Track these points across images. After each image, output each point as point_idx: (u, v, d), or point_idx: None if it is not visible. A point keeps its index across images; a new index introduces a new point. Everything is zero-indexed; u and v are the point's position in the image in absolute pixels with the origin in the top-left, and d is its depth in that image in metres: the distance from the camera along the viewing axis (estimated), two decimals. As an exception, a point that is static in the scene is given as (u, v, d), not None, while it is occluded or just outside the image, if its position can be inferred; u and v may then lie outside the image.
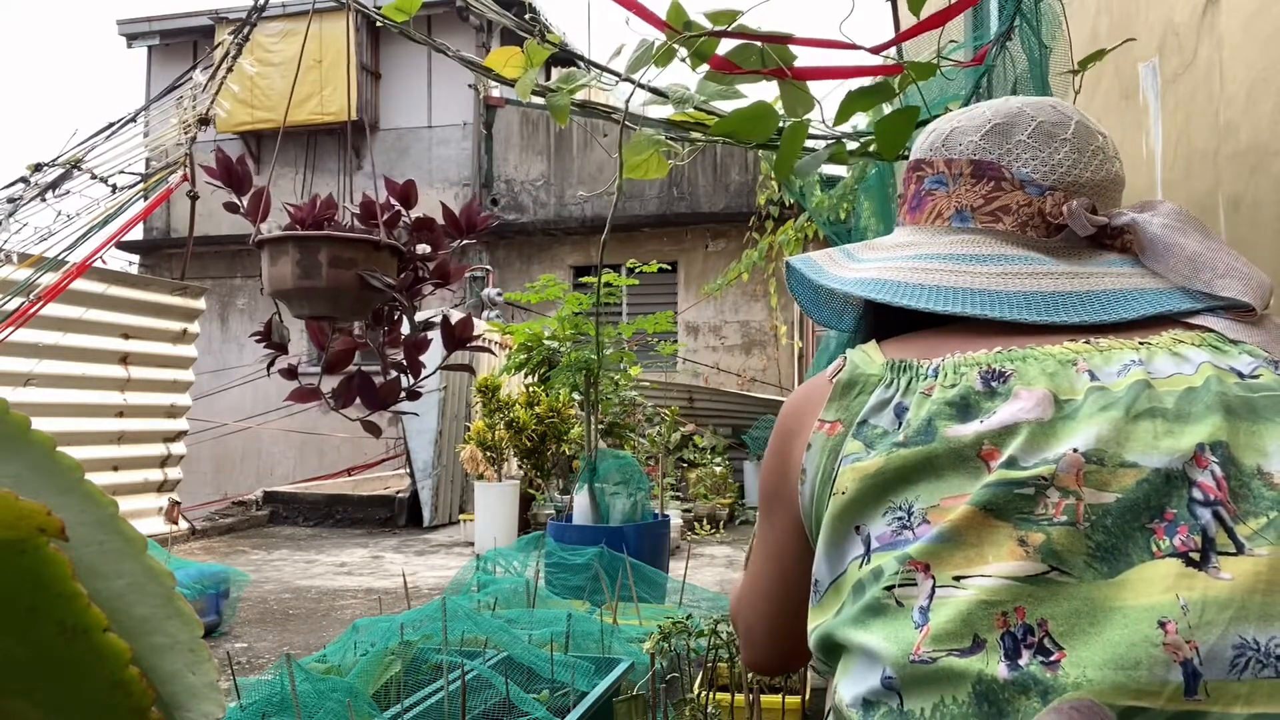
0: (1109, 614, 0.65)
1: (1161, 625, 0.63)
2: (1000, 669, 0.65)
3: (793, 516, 0.85)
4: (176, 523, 6.98)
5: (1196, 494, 0.68)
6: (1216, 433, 0.69)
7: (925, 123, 2.04)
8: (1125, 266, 0.85)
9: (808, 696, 2.58)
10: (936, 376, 0.77)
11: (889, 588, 0.71)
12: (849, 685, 0.73)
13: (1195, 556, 0.66)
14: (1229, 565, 0.65)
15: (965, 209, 0.89)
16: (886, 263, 0.91)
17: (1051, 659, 0.64)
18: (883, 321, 0.90)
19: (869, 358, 0.82)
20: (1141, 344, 0.76)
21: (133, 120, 5.03)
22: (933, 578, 0.70)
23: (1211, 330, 0.78)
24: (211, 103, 4.99)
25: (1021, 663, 0.65)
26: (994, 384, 0.75)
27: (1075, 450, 0.69)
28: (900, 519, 0.73)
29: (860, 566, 0.75)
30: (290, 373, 1.84)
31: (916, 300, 0.84)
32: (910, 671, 0.68)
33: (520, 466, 7.35)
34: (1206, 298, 0.81)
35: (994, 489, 0.69)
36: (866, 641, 0.71)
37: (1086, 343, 0.77)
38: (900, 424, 0.76)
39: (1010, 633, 0.66)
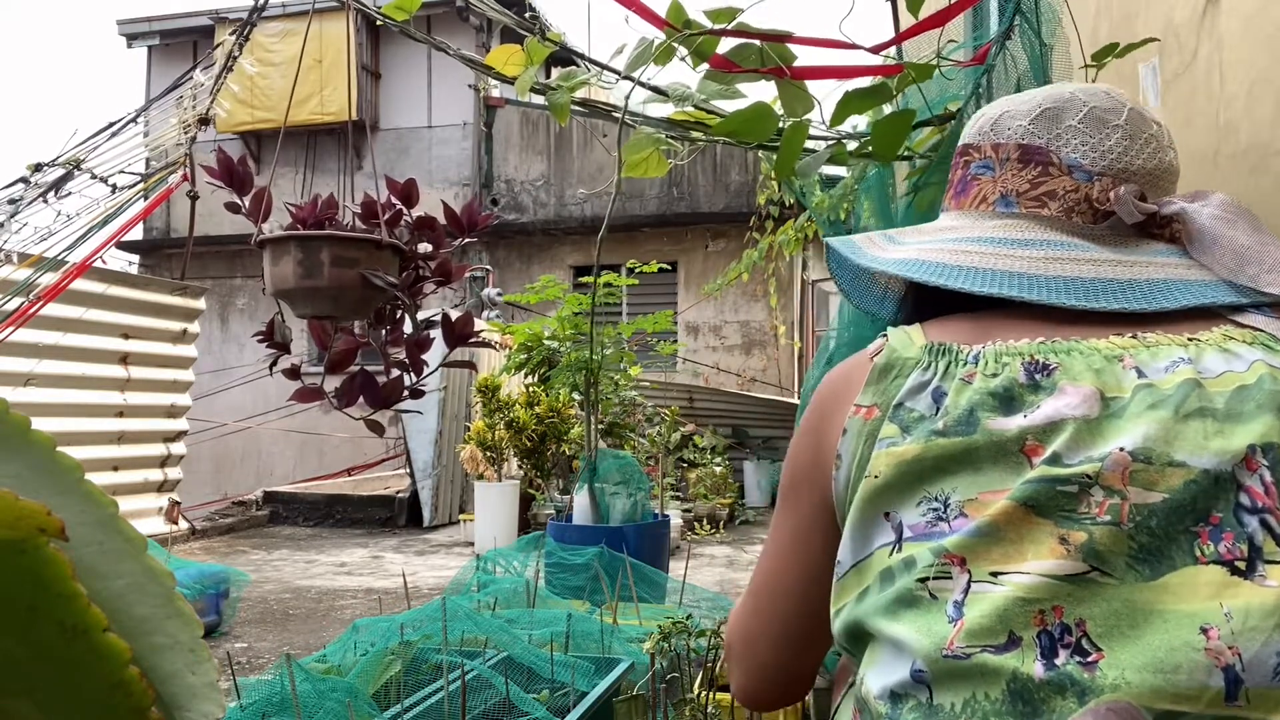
0: (1149, 617, 0.64)
1: (1204, 631, 0.62)
2: (1036, 668, 0.64)
3: (823, 502, 0.83)
4: (176, 523, 6.98)
5: (1244, 500, 0.66)
6: (1269, 434, 0.68)
7: (923, 124, 2.04)
8: (1171, 256, 0.83)
9: (807, 696, 2.58)
10: (977, 363, 0.76)
11: (922, 579, 0.70)
12: (876, 676, 0.72)
13: (1241, 565, 0.65)
14: (1276, 573, 0.64)
15: (1010, 194, 0.88)
16: (927, 245, 0.90)
17: (1089, 659, 0.63)
18: (924, 309, 0.88)
19: (909, 340, 0.81)
20: (1190, 340, 0.74)
21: (133, 120, 5.03)
22: (969, 572, 0.69)
23: (1262, 330, 0.76)
24: (211, 103, 4.99)
25: (1058, 662, 0.64)
26: (1037, 376, 0.73)
27: (1122, 449, 0.68)
28: (935, 510, 0.72)
29: (890, 554, 0.73)
30: (293, 373, 1.84)
31: (954, 280, 0.82)
32: (942, 666, 0.67)
33: (520, 466, 7.35)
34: (1252, 292, 0.79)
35: (1036, 485, 0.68)
36: (897, 633, 0.70)
37: (1133, 337, 0.75)
38: (939, 409, 0.75)
39: (1047, 631, 0.65)
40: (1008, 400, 0.73)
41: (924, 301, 0.90)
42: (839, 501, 0.81)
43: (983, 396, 0.73)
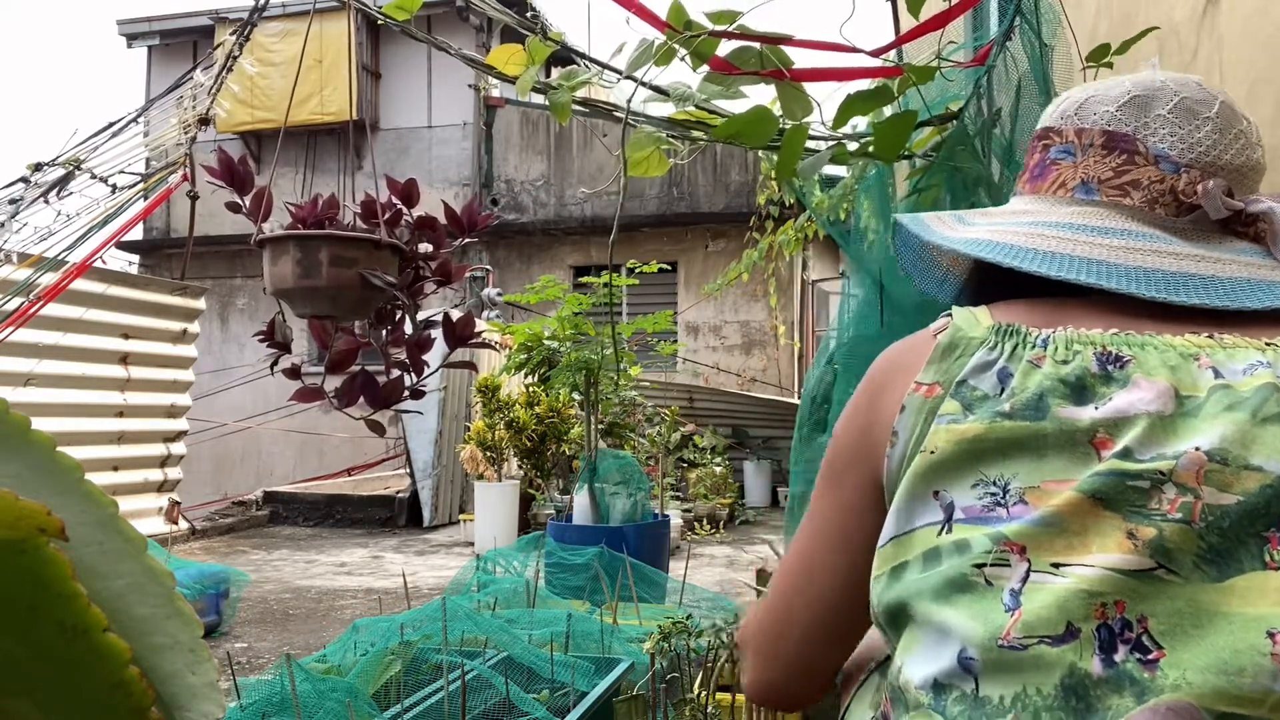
0: (1214, 618, 0.63)
1: (1270, 635, 0.61)
2: (1094, 663, 0.63)
3: (872, 482, 0.81)
4: (176, 523, 6.98)
5: None
6: None
7: (924, 124, 2.04)
8: (1254, 256, 0.81)
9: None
10: (1046, 347, 0.74)
11: (978, 565, 0.68)
12: (917, 665, 0.70)
13: None
14: None
15: (1091, 180, 0.86)
16: (999, 227, 0.87)
17: (1149, 657, 0.62)
18: (987, 293, 0.86)
19: (974, 320, 0.79)
20: (1268, 345, 0.72)
21: (133, 120, 5.03)
22: (1028, 561, 0.67)
23: None
24: (211, 103, 4.99)
25: (1117, 658, 0.62)
26: (1110, 368, 0.72)
27: (1198, 449, 0.66)
28: (993, 495, 0.70)
29: (939, 534, 0.72)
30: (294, 372, 1.84)
31: (1029, 263, 0.80)
32: (996, 656, 0.65)
33: (520, 466, 7.35)
34: None
35: (1106, 478, 0.67)
36: (946, 618, 0.68)
37: (1210, 337, 0.73)
38: (1004, 390, 0.73)
39: (1107, 625, 0.63)
40: (1079, 389, 0.71)
41: (988, 286, 0.87)
42: (890, 481, 0.79)
43: (1054, 383, 0.72)
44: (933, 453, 0.73)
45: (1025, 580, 0.66)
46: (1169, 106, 0.84)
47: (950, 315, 0.81)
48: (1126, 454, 0.67)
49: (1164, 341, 0.73)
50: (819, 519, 0.87)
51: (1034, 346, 0.74)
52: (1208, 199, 0.81)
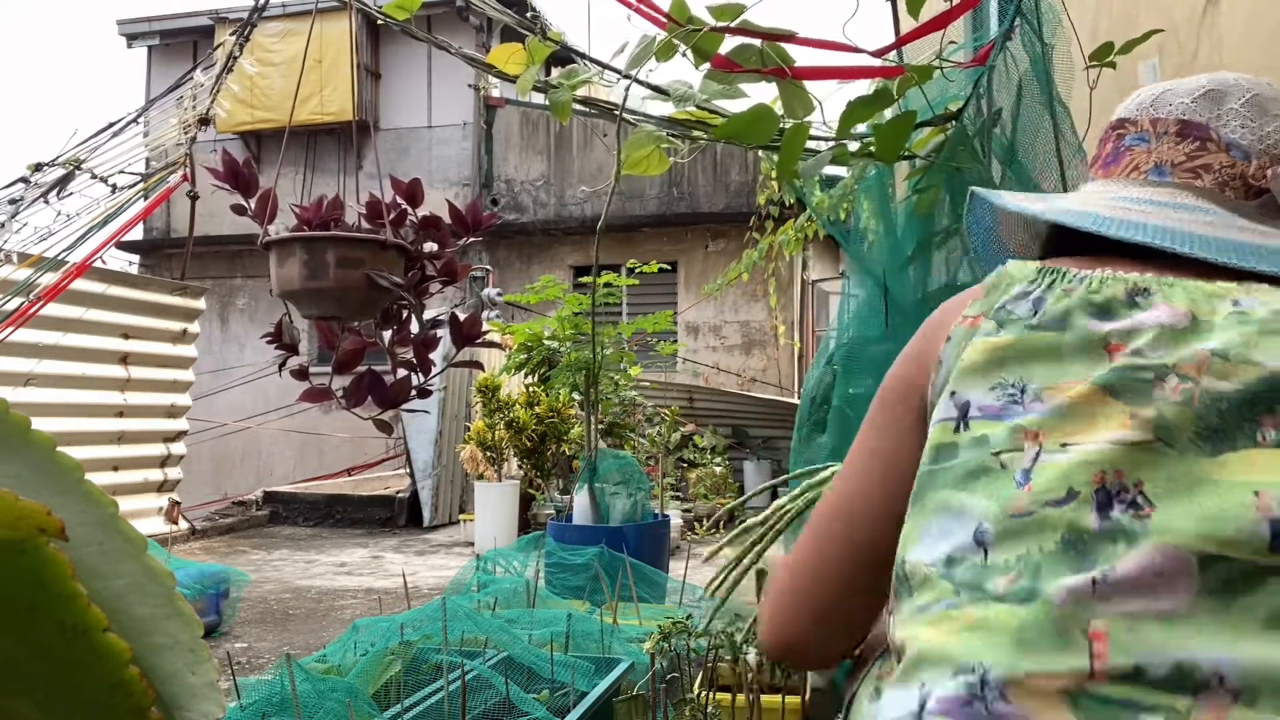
0: (1204, 484, 0.67)
1: (1256, 494, 0.65)
2: (1091, 518, 0.68)
3: (918, 412, 0.86)
4: (176, 523, 6.98)
5: None
6: None
7: (924, 124, 2.04)
8: None
9: (807, 696, 2.58)
10: (1082, 283, 0.79)
11: (996, 453, 0.74)
12: (928, 547, 0.75)
13: None
14: None
15: (1165, 164, 0.90)
16: (1076, 201, 0.92)
17: (1142, 513, 0.67)
18: None
19: (1023, 265, 0.84)
20: None
21: (133, 120, 5.03)
22: (1040, 444, 0.72)
23: None
24: (212, 103, 4.99)
25: (1112, 514, 0.68)
26: (1137, 298, 0.77)
27: (1204, 348, 0.71)
28: (1011, 395, 0.76)
29: (954, 430, 0.77)
30: (302, 373, 1.84)
31: (1110, 229, 0.84)
32: (1006, 525, 0.70)
33: (520, 466, 7.35)
34: None
35: (1116, 372, 0.72)
36: (965, 501, 0.74)
37: (1238, 284, 0.77)
38: (1037, 313, 0.78)
39: (1105, 489, 0.68)
40: (1104, 310, 0.77)
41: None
42: (930, 407, 0.83)
43: (1081, 303, 0.77)
44: (964, 361, 0.79)
45: (1036, 459, 0.72)
46: (1241, 101, 0.90)
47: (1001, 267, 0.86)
48: (1136, 354, 0.73)
49: (1194, 285, 0.77)
50: (860, 459, 0.90)
51: (1071, 281, 0.80)
52: (1275, 182, 0.86)
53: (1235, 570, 0.64)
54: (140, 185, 5.21)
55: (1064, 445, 0.71)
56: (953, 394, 0.78)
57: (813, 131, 1.85)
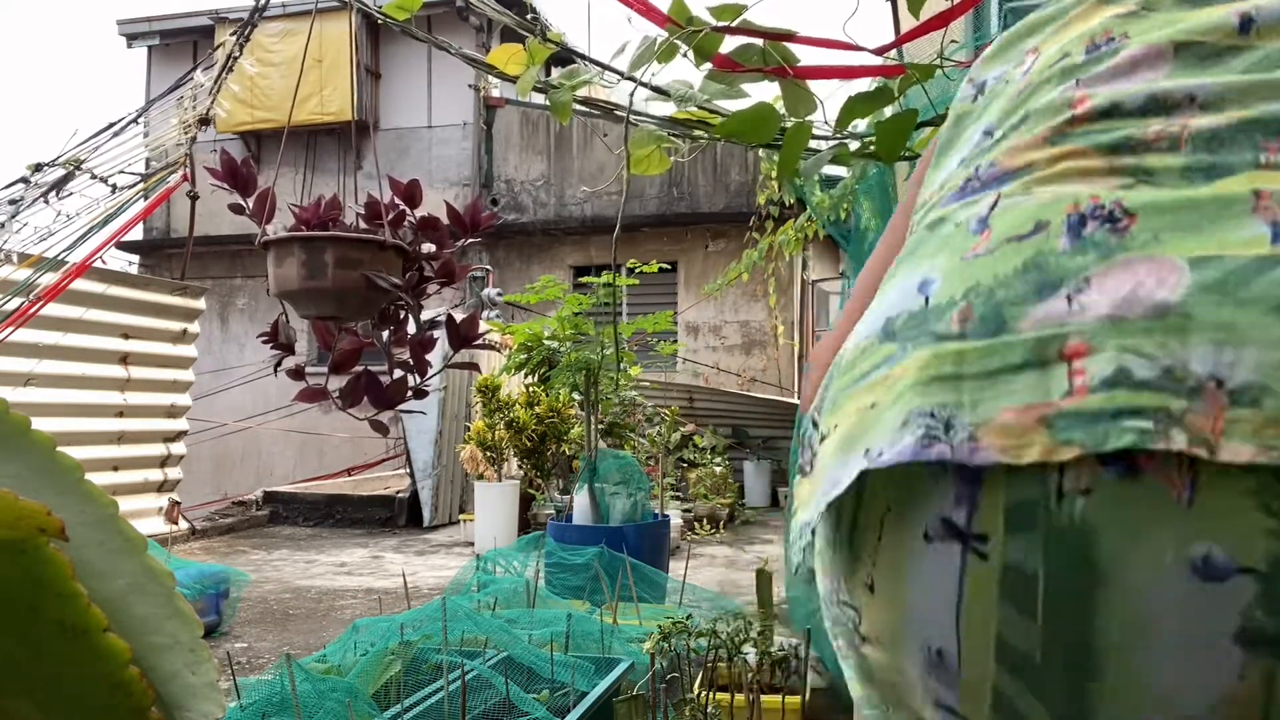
0: (1195, 200, 0.57)
1: (1256, 194, 0.56)
2: (1061, 242, 0.58)
3: None
4: (176, 523, 6.98)
5: None
6: None
7: (925, 124, 2.04)
8: None
9: (807, 696, 2.58)
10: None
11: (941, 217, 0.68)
12: (864, 325, 0.67)
13: None
14: None
15: None
16: None
17: (1119, 225, 0.57)
18: None
19: None
20: None
21: (133, 120, 5.04)
22: (998, 193, 0.64)
23: None
24: (212, 103, 4.99)
25: (1085, 233, 0.58)
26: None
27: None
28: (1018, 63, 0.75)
29: (972, 101, 0.78)
30: (298, 373, 1.84)
31: None
32: (957, 266, 0.62)
33: (520, 466, 7.35)
34: None
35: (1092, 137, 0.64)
36: (916, 266, 0.66)
37: None
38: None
39: (1079, 212, 0.59)
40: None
41: None
42: None
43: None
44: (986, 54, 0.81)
45: (994, 207, 0.64)
46: None
47: None
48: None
49: None
50: (894, 233, 0.85)
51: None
52: None
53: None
54: (140, 185, 5.21)
55: (1029, 189, 0.63)
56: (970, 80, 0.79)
57: (814, 131, 1.85)
